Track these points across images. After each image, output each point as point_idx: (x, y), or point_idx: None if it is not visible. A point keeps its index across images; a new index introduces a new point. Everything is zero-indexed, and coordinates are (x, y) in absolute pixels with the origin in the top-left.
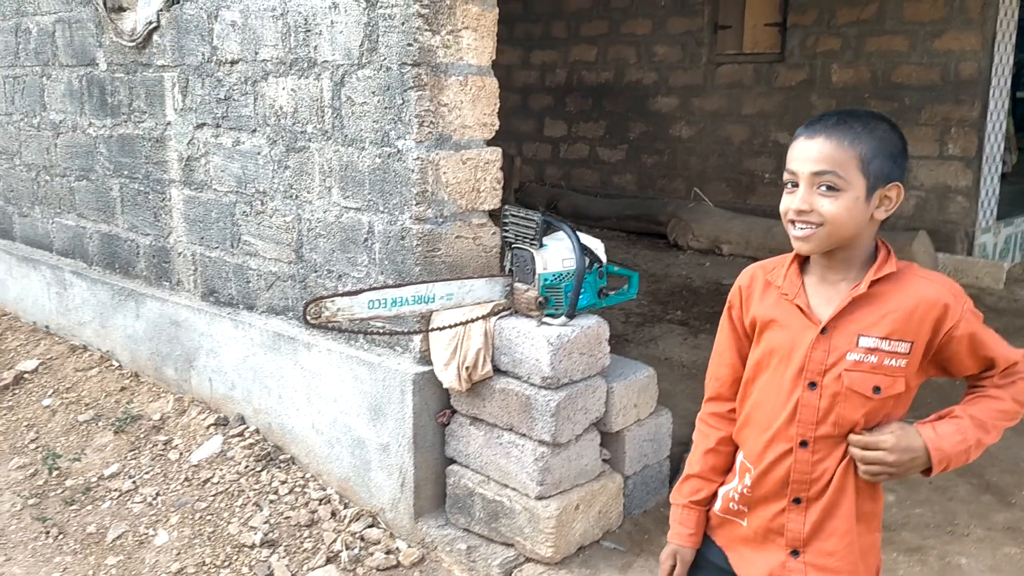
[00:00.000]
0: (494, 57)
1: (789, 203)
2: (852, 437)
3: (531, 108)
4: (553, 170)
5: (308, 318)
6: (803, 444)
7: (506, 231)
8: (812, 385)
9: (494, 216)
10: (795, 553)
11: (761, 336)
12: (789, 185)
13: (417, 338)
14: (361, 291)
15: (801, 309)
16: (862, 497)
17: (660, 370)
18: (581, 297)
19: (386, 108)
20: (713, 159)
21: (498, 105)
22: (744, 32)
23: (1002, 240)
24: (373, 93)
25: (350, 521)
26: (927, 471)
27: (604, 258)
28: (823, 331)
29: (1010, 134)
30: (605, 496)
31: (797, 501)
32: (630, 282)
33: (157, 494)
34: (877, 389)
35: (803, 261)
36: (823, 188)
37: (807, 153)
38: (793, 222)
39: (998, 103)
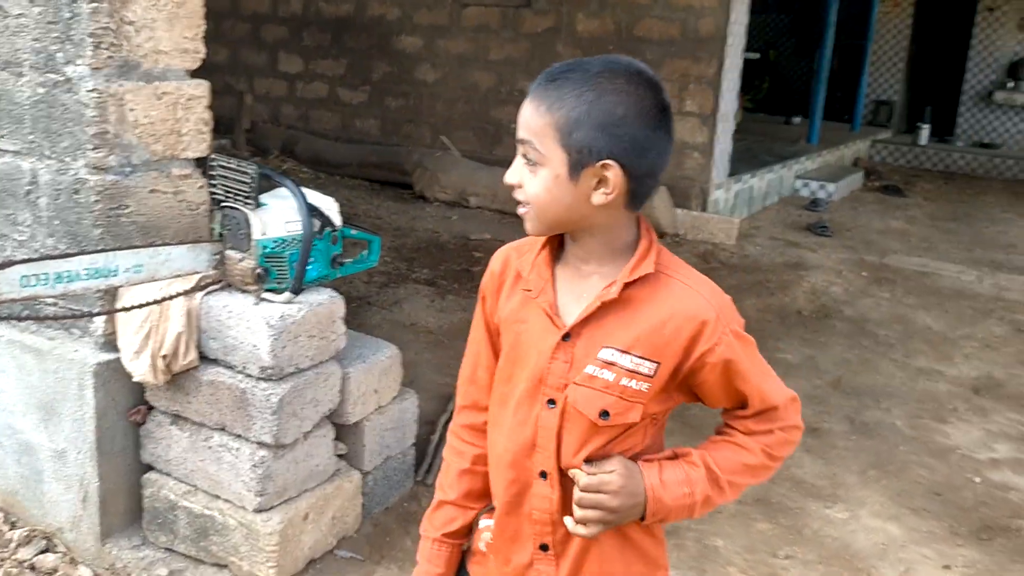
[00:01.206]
0: None
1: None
2: (576, 472)
3: (264, 39)
4: (290, 110)
5: None
6: (543, 475)
7: (214, 187)
8: (551, 403)
9: (204, 166)
10: None
11: (507, 337)
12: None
13: (100, 319)
14: (10, 263)
15: (544, 309)
16: (630, 537)
17: (405, 337)
18: (310, 268)
19: (50, 23)
20: (460, 106)
21: (203, 27)
22: None
23: (732, 196)
24: (32, 2)
25: (18, 545)
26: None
27: (338, 220)
28: (566, 337)
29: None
30: (340, 499)
31: (544, 548)
32: (370, 247)
33: None
34: (605, 414)
35: (557, 245)
36: (525, 159)
37: (520, 114)
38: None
39: (733, 61)
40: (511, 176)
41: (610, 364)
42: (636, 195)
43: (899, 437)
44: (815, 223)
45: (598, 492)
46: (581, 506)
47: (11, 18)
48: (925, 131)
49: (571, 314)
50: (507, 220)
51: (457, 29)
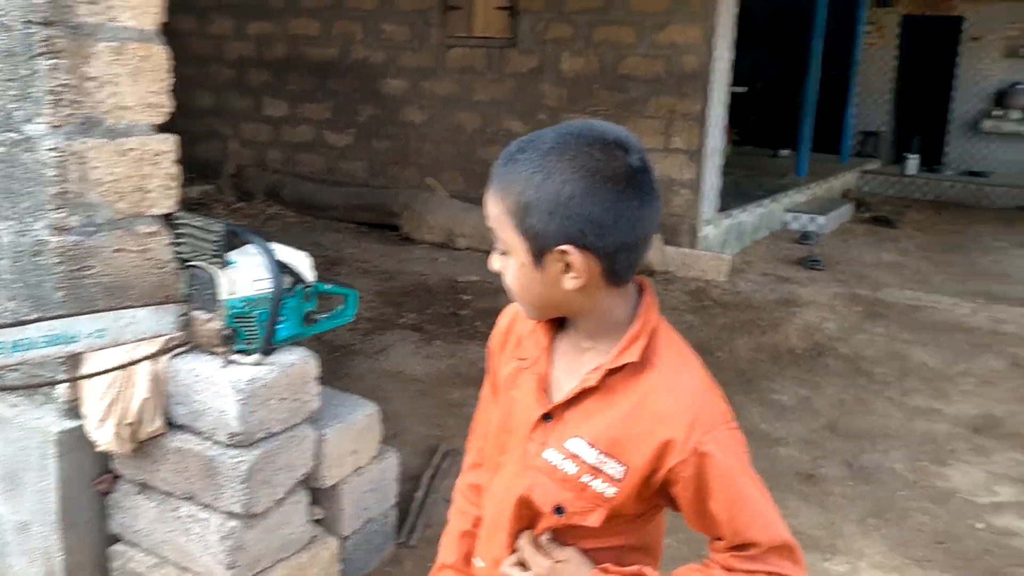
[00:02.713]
0: (163, 19)
1: None
2: (520, 542)
3: (248, 84)
4: (275, 154)
5: None
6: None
7: (180, 245)
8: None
9: (172, 222)
10: None
11: (502, 402)
12: None
13: (64, 385)
14: None
15: (534, 383)
16: None
17: (390, 387)
18: (280, 327)
19: (8, 80)
20: (446, 147)
21: (169, 81)
22: (475, 14)
23: (722, 231)
24: None
25: None
26: None
27: (311, 276)
28: (546, 417)
29: (725, 127)
30: (317, 568)
31: None
32: (346, 302)
33: None
34: (560, 510)
35: None
36: (498, 249)
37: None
38: None
39: (718, 97)
40: (493, 264)
41: (574, 456)
42: (614, 272)
43: (899, 482)
44: (806, 257)
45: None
46: None
47: None
48: (913, 161)
49: (562, 391)
50: None
51: (442, 71)
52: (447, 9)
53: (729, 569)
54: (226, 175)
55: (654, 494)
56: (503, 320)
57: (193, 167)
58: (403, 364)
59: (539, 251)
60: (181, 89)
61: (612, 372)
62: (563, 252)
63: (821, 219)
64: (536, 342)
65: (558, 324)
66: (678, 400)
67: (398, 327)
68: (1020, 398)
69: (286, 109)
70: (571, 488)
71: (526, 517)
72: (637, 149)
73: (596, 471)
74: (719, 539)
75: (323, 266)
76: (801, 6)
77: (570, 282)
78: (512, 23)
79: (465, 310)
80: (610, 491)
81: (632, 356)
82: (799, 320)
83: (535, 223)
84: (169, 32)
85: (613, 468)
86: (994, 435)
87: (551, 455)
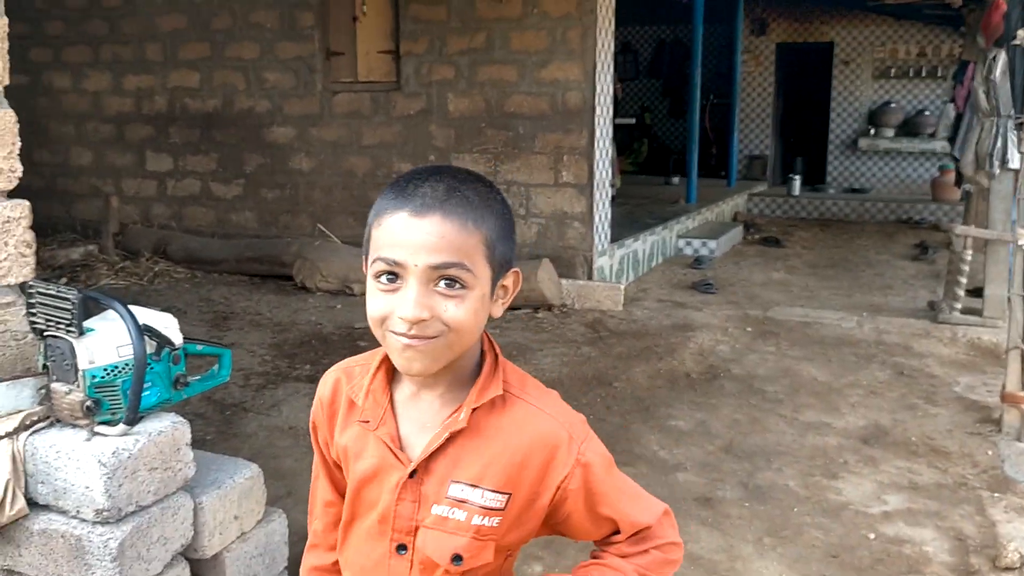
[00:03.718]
0: (6, 81)
1: (393, 306)
2: None
3: (128, 139)
4: (161, 209)
5: None
6: None
7: (34, 315)
8: (401, 549)
9: (26, 291)
10: None
11: (350, 474)
12: (384, 279)
13: None
14: None
15: (386, 443)
16: None
17: (283, 443)
18: (147, 394)
19: None
20: (337, 192)
21: (18, 144)
22: (358, 59)
23: (617, 261)
24: None
25: None
26: None
27: (179, 338)
28: (412, 474)
29: (613, 159)
30: None
31: None
32: (221, 362)
33: None
34: (458, 559)
35: (391, 367)
36: (443, 285)
37: (419, 237)
38: (400, 333)
39: (603, 131)
40: (417, 308)
41: (461, 502)
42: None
43: (793, 498)
44: (699, 281)
45: None
46: None
47: None
48: (797, 181)
49: (416, 446)
50: None
51: (329, 116)
52: (329, 55)
53: (623, 556)
54: (108, 234)
55: (534, 521)
56: (324, 389)
57: (74, 227)
58: (297, 419)
59: (496, 279)
60: (58, 147)
61: (476, 410)
62: (515, 275)
63: (712, 243)
64: (375, 402)
65: (390, 380)
66: (551, 420)
67: (292, 379)
68: (905, 406)
69: (170, 163)
70: (464, 533)
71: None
72: None
73: (484, 509)
74: (614, 534)
75: (213, 321)
76: (682, 40)
77: (499, 309)
78: (395, 67)
79: None
80: (495, 521)
81: (496, 390)
82: (694, 344)
83: (504, 250)
84: (43, 90)
85: (497, 500)
86: (881, 444)
87: (440, 509)
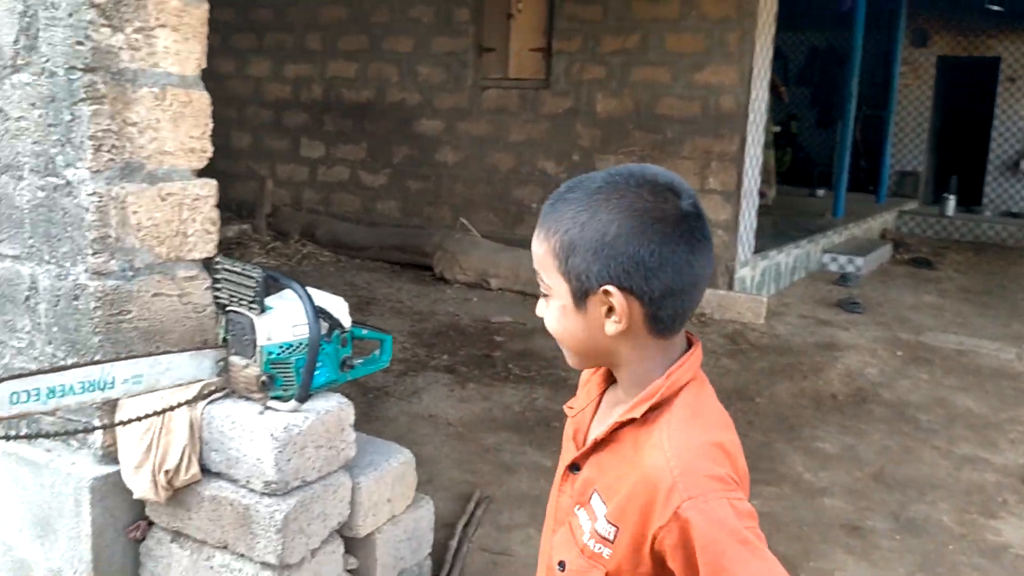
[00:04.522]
0: (203, 65)
1: None
2: None
3: (285, 126)
4: (311, 194)
5: None
6: None
7: (218, 291)
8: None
9: (211, 267)
10: None
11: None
12: None
13: (99, 431)
14: None
15: (570, 432)
16: None
17: (423, 431)
18: (317, 373)
19: (50, 126)
20: (480, 187)
21: (210, 126)
22: (509, 56)
23: (759, 273)
24: (33, 105)
25: None
26: None
27: (348, 321)
28: (573, 467)
29: (769, 167)
30: None
31: None
32: (382, 347)
33: None
34: (562, 565)
35: None
36: (542, 292)
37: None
38: None
39: (755, 137)
40: (539, 309)
41: (593, 513)
42: (659, 319)
43: (947, 535)
44: (845, 299)
45: None
46: None
47: (11, 121)
48: (951, 201)
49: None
50: (528, 301)
51: (477, 112)
52: (482, 51)
53: None
54: (262, 215)
55: (648, 567)
56: (584, 373)
57: (230, 207)
58: (436, 407)
59: (582, 292)
60: (219, 130)
61: (620, 426)
62: (607, 293)
63: (859, 260)
64: (588, 393)
65: (611, 378)
66: (665, 458)
67: (431, 369)
68: None
69: (323, 150)
70: (576, 543)
71: None
72: (689, 194)
73: (596, 534)
74: None
75: (357, 306)
76: (835, 48)
77: (611, 326)
78: (546, 65)
79: (498, 352)
80: (605, 552)
81: (636, 412)
82: (840, 364)
83: (579, 263)
84: (208, 74)
85: (608, 529)
86: None
87: (580, 512)
